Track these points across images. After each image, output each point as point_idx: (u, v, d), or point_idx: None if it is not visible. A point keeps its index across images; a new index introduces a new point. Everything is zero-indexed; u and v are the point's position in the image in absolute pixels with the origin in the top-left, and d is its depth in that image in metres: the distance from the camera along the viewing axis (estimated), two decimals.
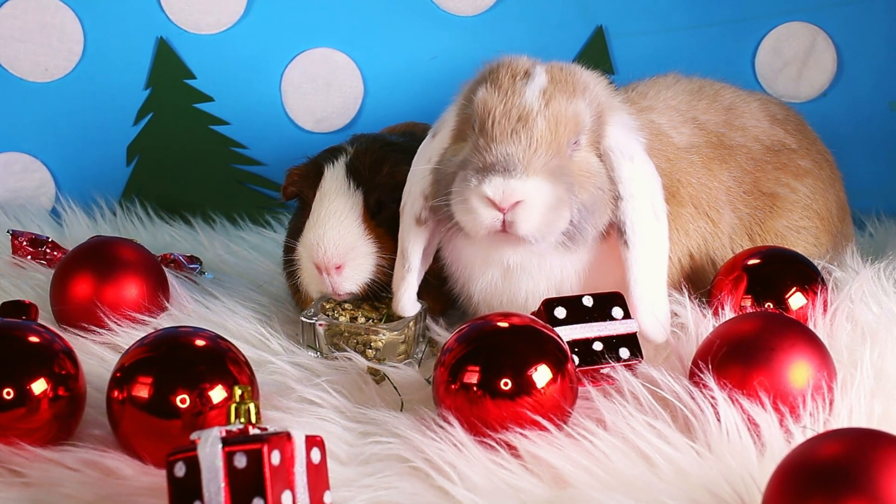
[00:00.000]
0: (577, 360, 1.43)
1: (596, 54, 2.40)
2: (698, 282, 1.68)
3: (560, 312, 1.46)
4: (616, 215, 1.53)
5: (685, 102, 1.79)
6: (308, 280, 1.73)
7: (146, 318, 1.69)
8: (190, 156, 2.43)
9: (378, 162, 1.73)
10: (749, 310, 1.58)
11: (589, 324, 1.46)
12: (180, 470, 1.07)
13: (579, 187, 1.48)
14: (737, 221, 1.74)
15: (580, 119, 1.50)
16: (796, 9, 2.40)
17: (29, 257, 2.04)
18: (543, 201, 1.43)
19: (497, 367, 1.29)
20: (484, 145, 1.45)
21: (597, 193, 1.50)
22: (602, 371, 1.45)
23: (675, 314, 1.57)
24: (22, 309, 1.49)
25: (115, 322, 1.66)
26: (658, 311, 1.53)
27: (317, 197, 1.72)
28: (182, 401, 1.26)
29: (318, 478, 1.12)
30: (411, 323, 1.65)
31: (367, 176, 1.72)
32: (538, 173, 1.43)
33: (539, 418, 1.28)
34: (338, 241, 1.67)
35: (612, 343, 1.46)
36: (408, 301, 1.63)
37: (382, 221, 1.71)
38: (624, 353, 1.46)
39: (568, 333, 1.44)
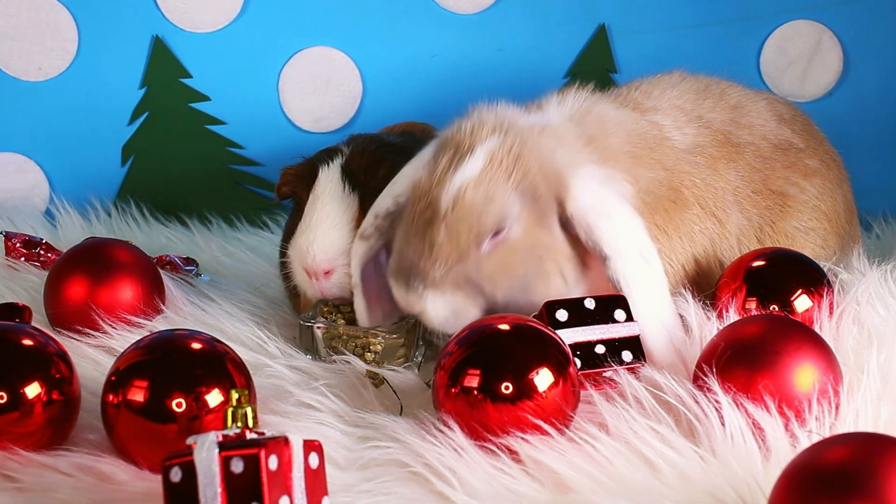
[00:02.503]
0: (579, 363, 1.41)
1: (598, 53, 2.39)
2: (705, 284, 1.67)
3: (562, 315, 1.45)
4: (607, 274, 1.49)
5: (691, 101, 1.77)
6: (300, 283, 1.72)
7: (141, 320, 1.68)
8: (186, 156, 2.42)
9: (374, 164, 1.72)
10: (754, 312, 1.57)
11: (591, 326, 1.45)
12: (176, 475, 1.06)
13: (493, 285, 1.47)
14: (745, 222, 1.72)
15: (502, 211, 1.46)
16: (802, 7, 2.39)
17: (22, 259, 2.03)
18: (439, 314, 1.47)
19: (498, 370, 1.28)
20: (402, 241, 1.49)
21: (523, 278, 1.48)
22: (604, 374, 1.43)
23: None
24: (15, 311, 1.48)
25: (110, 325, 1.65)
26: (670, 328, 1.51)
27: (310, 199, 1.71)
28: (178, 405, 1.24)
29: (317, 483, 1.10)
30: (410, 326, 1.64)
31: (362, 179, 1.70)
32: (435, 287, 1.45)
33: (540, 422, 1.27)
34: (327, 246, 1.66)
35: (615, 346, 1.45)
36: (361, 314, 1.64)
37: None
38: (627, 356, 1.45)
39: (570, 336, 1.42)
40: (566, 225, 1.51)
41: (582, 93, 1.67)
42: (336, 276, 1.67)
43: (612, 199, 1.52)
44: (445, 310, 1.47)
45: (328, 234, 1.67)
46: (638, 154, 1.62)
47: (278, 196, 1.81)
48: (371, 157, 1.72)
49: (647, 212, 1.59)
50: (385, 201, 1.60)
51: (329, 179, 1.71)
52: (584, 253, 1.52)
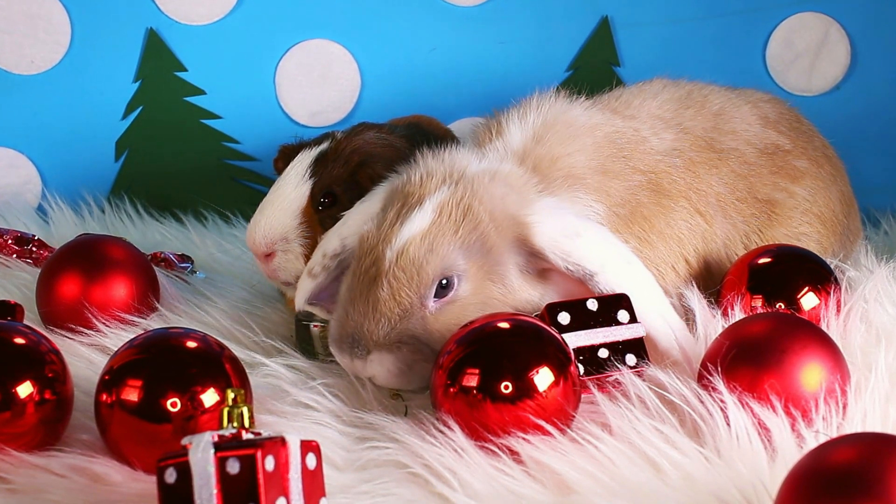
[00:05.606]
0: (582, 368, 1.39)
1: (601, 46, 2.38)
2: (702, 282, 1.64)
3: (564, 318, 1.41)
4: (597, 289, 1.46)
5: (671, 111, 1.73)
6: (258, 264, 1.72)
7: (136, 318, 1.67)
8: (181, 151, 2.42)
9: (350, 155, 1.70)
10: (760, 310, 1.55)
11: (594, 329, 1.42)
12: (171, 476, 1.05)
13: (440, 341, 1.40)
14: (730, 228, 1.69)
15: (443, 263, 1.41)
16: None
17: (14, 256, 2.02)
18: (388, 371, 1.41)
19: (497, 369, 1.26)
20: (347, 302, 1.43)
21: None
22: (608, 379, 1.41)
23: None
24: (7, 309, 1.47)
25: (104, 323, 1.64)
26: (670, 320, 1.49)
27: (276, 181, 1.72)
28: (173, 404, 1.23)
29: (314, 484, 1.10)
30: None
31: (329, 167, 1.69)
32: (379, 348, 1.40)
33: (542, 422, 1.25)
34: (267, 229, 1.66)
35: (618, 349, 1.43)
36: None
37: (327, 216, 1.67)
38: (630, 359, 1.42)
39: (573, 340, 1.40)
40: (531, 263, 1.47)
41: (546, 102, 1.62)
42: (277, 259, 1.66)
43: (574, 219, 1.49)
44: (394, 366, 1.41)
45: (271, 218, 1.66)
46: (607, 167, 1.58)
47: (275, 170, 1.81)
48: (351, 148, 1.70)
49: (622, 225, 1.56)
50: (333, 243, 1.56)
51: (299, 162, 1.71)
52: (546, 284, 1.49)
